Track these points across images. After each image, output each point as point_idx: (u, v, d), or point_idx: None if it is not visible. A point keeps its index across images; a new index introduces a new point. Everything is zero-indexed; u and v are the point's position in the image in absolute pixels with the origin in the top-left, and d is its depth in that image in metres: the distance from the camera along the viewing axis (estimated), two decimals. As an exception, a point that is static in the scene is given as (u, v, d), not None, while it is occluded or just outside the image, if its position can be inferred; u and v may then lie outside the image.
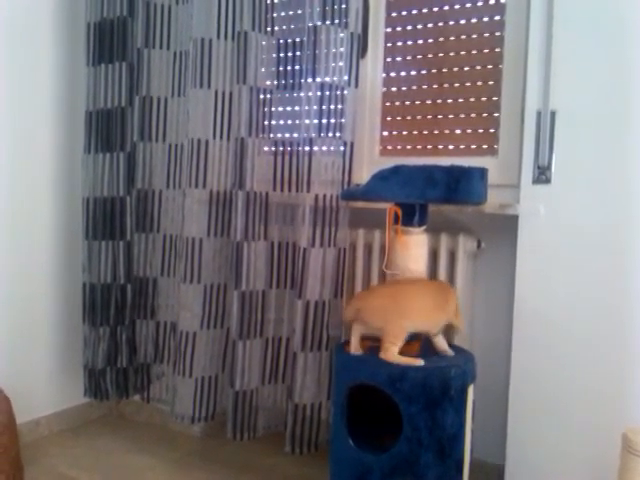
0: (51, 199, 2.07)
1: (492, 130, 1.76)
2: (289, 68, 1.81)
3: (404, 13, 1.87)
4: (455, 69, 1.80)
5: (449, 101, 1.82)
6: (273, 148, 1.82)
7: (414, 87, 1.87)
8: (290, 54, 1.81)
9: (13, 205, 1.95)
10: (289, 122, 1.85)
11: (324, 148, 1.70)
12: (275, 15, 1.81)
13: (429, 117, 1.86)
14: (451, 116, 1.82)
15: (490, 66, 1.75)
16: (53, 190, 2.08)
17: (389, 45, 1.90)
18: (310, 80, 1.69)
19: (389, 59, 1.91)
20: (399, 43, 1.88)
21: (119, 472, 1.84)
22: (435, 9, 1.82)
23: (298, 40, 1.80)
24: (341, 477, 1.43)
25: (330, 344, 1.75)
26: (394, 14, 1.89)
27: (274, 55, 1.82)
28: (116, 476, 1.81)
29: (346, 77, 1.69)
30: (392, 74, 1.90)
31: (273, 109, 1.82)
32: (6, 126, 1.91)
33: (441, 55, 1.82)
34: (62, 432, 2.12)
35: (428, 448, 1.32)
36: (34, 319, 2.04)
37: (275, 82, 1.82)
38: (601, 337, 1.46)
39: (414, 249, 1.41)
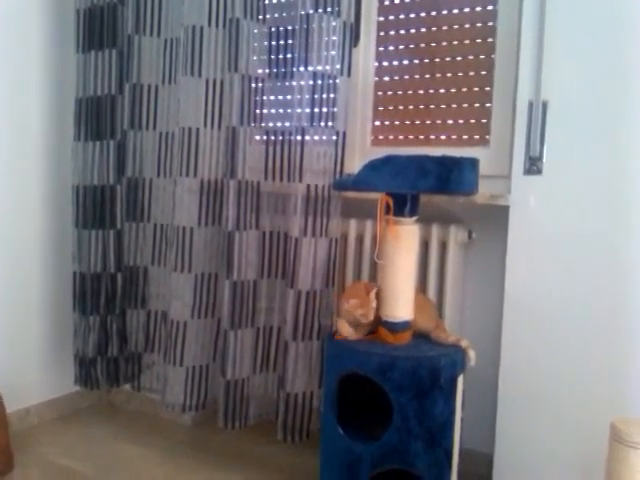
0: (41, 187, 2.05)
1: (484, 120, 1.76)
2: (281, 56, 1.80)
3: (397, 2, 1.86)
4: (447, 59, 1.80)
5: (441, 91, 1.81)
6: (265, 137, 1.81)
7: (406, 77, 1.87)
8: (282, 42, 1.80)
9: (2, 193, 1.93)
10: (281, 111, 1.84)
11: (316, 137, 1.69)
12: (267, 2, 1.79)
13: (421, 107, 1.85)
14: (443, 106, 1.81)
15: (482, 56, 1.75)
16: (43, 178, 2.06)
17: (381, 34, 1.89)
18: (302, 69, 1.68)
19: (381, 48, 1.90)
20: (391, 32, 1.88)
21: (110, 461, 1.84)
22: (428, -2, 1.81)
23: (290, 28, 1.79)
24: (331, 465, 1.44)
25: (321, 333, 1.75)
26: (387, 3, 1.87)
27: (266, 43, 1.80)
28: (107, 465, 1.81)
29: (338, 66, 1.68)
30: (384, 63, 1.90)
31: (265, 98, 1.81)
32: (-6, 113, 1.89)
33: (433, 45, 1.82)
34: (52, 421, 2.12)
35: (417, 437, 1.33)
36: (24, 308, 2.03)
37: (267, 70, 1.81)
38: (590, 328, 1.47)
39: (405, 239, 1.41)
